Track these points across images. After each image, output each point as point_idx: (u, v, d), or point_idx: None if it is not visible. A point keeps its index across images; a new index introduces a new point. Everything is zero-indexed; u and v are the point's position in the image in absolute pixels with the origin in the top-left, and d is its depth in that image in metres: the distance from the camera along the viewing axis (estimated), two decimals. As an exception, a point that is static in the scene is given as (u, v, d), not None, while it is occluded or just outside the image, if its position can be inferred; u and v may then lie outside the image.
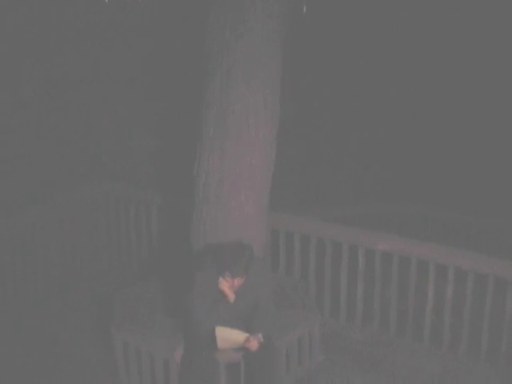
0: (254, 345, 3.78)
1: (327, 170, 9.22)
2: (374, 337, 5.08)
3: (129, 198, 6.13)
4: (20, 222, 5.36)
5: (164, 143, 7.42)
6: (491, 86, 9.37)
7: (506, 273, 4.47)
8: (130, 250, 6.26)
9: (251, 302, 3.89)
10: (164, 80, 7.52)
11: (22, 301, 5.38)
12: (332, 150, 9.35)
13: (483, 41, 9.29)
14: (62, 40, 7.36)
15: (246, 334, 3.80)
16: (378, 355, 4.84)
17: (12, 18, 7.03)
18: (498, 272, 4.50)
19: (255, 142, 4.16)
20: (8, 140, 6.83)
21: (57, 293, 5.67)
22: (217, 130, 4.14)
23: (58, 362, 4.73)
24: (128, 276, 5.99)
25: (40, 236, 5.50)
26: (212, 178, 4.22)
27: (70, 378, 4.57)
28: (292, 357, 4.41)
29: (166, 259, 5.81)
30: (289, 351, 4.36)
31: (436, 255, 4.74)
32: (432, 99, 9.65)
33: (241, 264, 3.71)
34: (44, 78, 7.24)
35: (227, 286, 3.81)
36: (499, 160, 9.28)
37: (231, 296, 3.84)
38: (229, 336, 3.81)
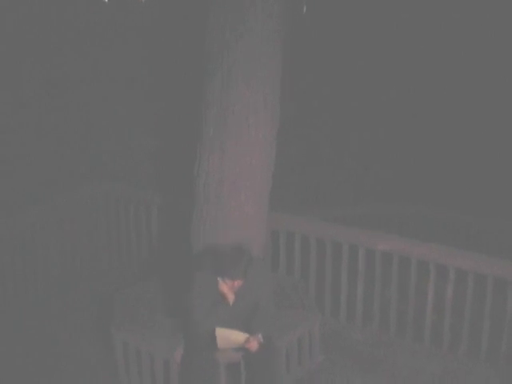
0: (253, 345, 3.78)
1: (327, 170, 9.22)
2: (375, 337, 5.08)
3: (129, 198, 6.13)
4: (20, 222, 5.35)
5: (164, 143, 7.42)
6: (491, 86, 9.37)
7: (506, 273, 4.47)
8: (130, 250, 6.26)
9: (251, 302, 3.89)
10: (164, 80, 7.52)
11: (22, 301, 5.38)
12: (332, 150, 9.35)
13: (483, 41, 9.29)
14: (61, 40, 7.36)
15: (246, 335, 3.80)
16: (379, 355, 4.83)
17: (12, 18, 7.03)
18: (498, 272, 4.50)
19: (255, 142, 4.16)
20: (8, 140, 6.83)
21: (57, 293, 5.66)
22: (217, 130, 4.14)
23: (57, 362, 4.73)
24: (128, 276, 5.99)
25: (40, 236, 5.50)
26: (212, 178, 4.22)
27: (70, 378, 4.57)
28: (292, 357, 4.40)
29: (166, 259, 5.81)
30: (289, 351, 4.36)
31: (436, 255, 4.74)
32: (432, 99, 9.65)
33: (239, 268, 3.69)
34: (44, 78, 7.24)
35: (226, 287, 3.80)
36: (499, 160, 9.28)
37: (231, 297, 3.83)
38: (229, 336, 3.81)
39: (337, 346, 4.94)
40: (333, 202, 8.80)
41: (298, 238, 5.28)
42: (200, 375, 3.81)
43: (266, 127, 4.18)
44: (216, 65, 4.06)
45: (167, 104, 7.45)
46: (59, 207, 5.75)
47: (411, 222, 8.30)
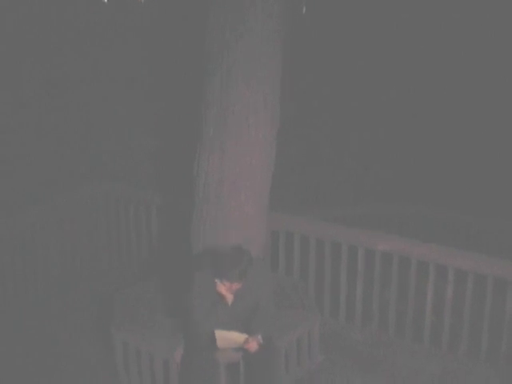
0: (253, 346, 3.78)
1: (327, 170, 9.23)
2: (374, 337, 5.08)
3: (129, 198, 6.13)
4: (20, 222, 5.35)
5: (164, 143, 7.43)
6: (491, 86, 9.38)
7: (506, 273, 4.47)
8: (130, 250, 6.26)
9: (250, 303, 3.88)
10: (164, 80, 7.52)
11: (22, 301, 5.38)
12: (332, 150, 9.35)
13: (483, 41, 9.30)
14: (62, 40, 7.36)
15: (245, 335, 3.79)
16: (378, 356, 4.84)
17: (12, 18, 7.04)
18: (497, 272, 4.50)
19: (255, 142, 4.16)
20: (8, 140, 6.84)
21: (57, 293, 5.67)
22: (217, 130, 4.14)
23: (57, 362, 4.73)
24: (128, 276, 5.99)
25: (40, 236, 5.50)
26: (212, 178, 4.22)
27: (70, 378, 4.57)
28: (291, 357, 4.41)
29: (166, 259, 5.81)
30: (288, 351, 4.36)
31: (436, 255, 4.74)
32: (432, 100, 9.65)
33: (238, 270, 3.67)
34: (44, 78, 7.25)
35: (225, 289, 3.78)
36: (499, 160, 9.28)
37: (229, 298, 3.82)
38: (228, 336, 3.81)
39: (336, 346, 4.94)
40: (333, 202, 8.80)
41: (298, 238, 5.28)
42: (200, 375, 3.81)
43: (266, 127, 4.18)
44: (216, 65, 4.06)
45: (167, 104, 7.46)
46: (59, 207, 5.75)
47: (411, 222, 8.30)
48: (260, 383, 3.88)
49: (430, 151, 9.65)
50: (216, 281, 3.71)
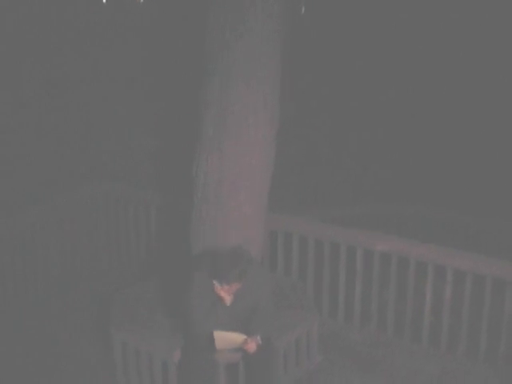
0: (252, 347, 3.78)
1: (326, 170, 9.23)
2: (373, 337, 5.09)
3: (128, 198, 6.14)
4: (20, 222, 5.36)
5: (164, 143, 7.43)
6: (490, 86, 9.39)
7: (505, 273, 4.47)
8: (129, 250, 6.27)
9: (249, 304, 3.87)
10: (164, 80, 7.53)
11: (22, 301, 5.39)
12: (331, 150, 9.36)
13: (482, 41, 9.31)
14: (62, 40, 7.37)
15: (244, 336, 3.80)
16: (377, 356, 4.84)
17: (12, 18, 7.05)
18: (496, 272, 4.50)
19: (255, 142, 4.16)
20: (8, 140, 6.84)
21: (57, 293, 5.67)
22: (216, 130, 4.14)
23: (57, 362, 4.74)
24: (128, 276, 5.99)
25: (40, 236, 5.51)
26: (211, 178, 4.22)
27: (70, 378, 4.58)
28: (290, 357, 4.41)
29: (166, 259, 5.82)
30: (287, 352, 4.36)
31: (435, 256, 4.75)
32: (431, 100, 9.66)
33: (236, 272, 3.64)
34: (44, 77, 7.26)
35: (223, 291, 3.76)
36: (498, 160, 9.29)
37: (228, 299, 3.80)
38: (227, 337, 3.81)
39: (335, 347, 4.95)
40: (331, 203, 8.81)
41: (296, 239, 5.28)
42: (199, 375, 3.81)
43: (265, 127, 4.18)
44: (216, 65, 4.06)
45: (167, 104, 7.47)
46: (59, 207, 5.76)
47: (410, 222, 8.30)
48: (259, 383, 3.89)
49: (429, 151, 9.66)
50: (215, 282, 3.70)
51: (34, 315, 5.33)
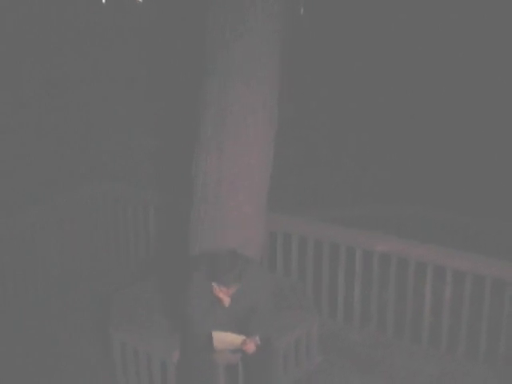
0: (250, 347, 3.77)
1: (325, 171, 9.23)
2: (372, 338, 5.09)
3: (128, 198, 6.14)
4: (20, 222, 5.36)
5: (164, 143, 7.43)
6: (489, 87, 9.38)
7: (504, 274, 4.47)
8: (128, 250, 6.27)
9: (248, 305, 3.86)
10: (164, 80, 7.54)
11: (22, 301, 5.39)
12: (330, 151, 9.36)
13: (481, 42, 9.31)
14: (62, 40, 7.38)
15: (243, 337, 3.79)
16: (376, 357, 4.84)
17: (12, 18, 7.05)
18: (496, 273, 4.51)
19: (254, 142, 4.16)
20: (8, 140, 6.85)
21: (57, 293, 5.67)
22: (215, 130, 4.14)
23: (57, 362, 4.74)
24: (127, 276, 5.99)
25: (40, 236, 5.51)
26: (210, 178, 4.22)
27: (70, 378, 4.58)
28: (290, 358, 4.41)
29: (164, 259, 5.82)
30: (286, 352, 4.37)
31: (434, 256, 4.75)
32: (430, 100, 9.66)
33: (234, 274, 3.62)
34: (44, 77, 7.26)
35: (221, 292, 3.74)
36: (497, 161, 9.29)
37: (226, 300, 3.79)
38: (225, 338, 3.81)
39: (334, 347, 4.95)
40: (331, 203, 8.81)
41: (296, 239, 5.28)
42: (197, 376, 3.81)
43: (264, 127, 4.18)
44: (215, 65, 4.06)
45: (167, 104, 7.47)
46: (59, 207, 5.76)
47: (409, 223, 8.30)
48: (258, 384, 3.90)
49: (428, 152, 9.66)
50: (213, 284, 3.70)
51: (33, 315, 5.34)
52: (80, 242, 5.99)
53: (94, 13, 7.95)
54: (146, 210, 6.07)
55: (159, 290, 4.79)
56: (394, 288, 4.97)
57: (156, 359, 4.14)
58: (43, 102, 7.23)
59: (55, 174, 7.03)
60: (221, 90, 4.06)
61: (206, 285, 3.75)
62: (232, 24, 3.95)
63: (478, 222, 8.04)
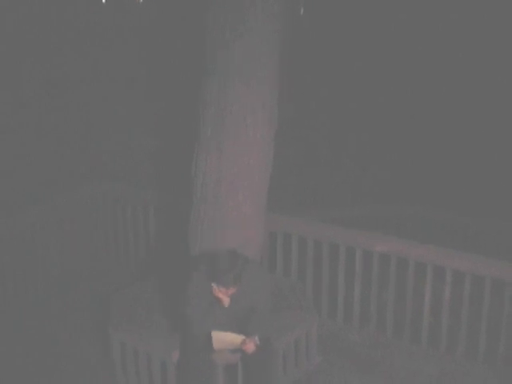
0: (250, 347, 3.77)
1: (325, 171, 9.23)
2: (372, 338, 5.09)
3: (128, 198, 6.14)
4: (20, 222, 5.36)
5: (164, 143, 7.44)
6: (489, 87, 9.39)
7: (504, 274, 4.47)
8: (127, 250, 6.27)
9: (248, 305, 3.86)
10: (164, 80, 7.54)
11: (22, 301, 5.39)
12: (330, 151, 9.37)
13: (481, 42, 9.31)
14: (62, 40, 7.38)
15: (242, 337, 3.79)
16: (376, 357, 4.84)
17: (12, 18, 7.05)
18: (495, 273, 4.51)
19: (253, 142, 4.15)
20: (8, 140, 6.85)
21: (57, 293, 5.67)
22: (214, 130, 4.14)
23: (57, 362, 4.75)
24: (126, 276, 5.99)
25: (40, 236, 5.51)
26: (210, 178, 4.22)
27: (70, 378, 4.58)
28: (289, 358, 4.41)
29: (164, 259, 5.82)
30: (286, 352, 4.37)
31: (434, 257, 4.75)
32: (430, 100, 9.66)
33: (233, 275, 3.63)
34: (44, 77, 7.26)
35: (221, 293, 3.74)
36: (497, 161, 9.29)
37: (226, 301, 3.79)
38: (224, 338, 3.81)
39: (334, 348, 4.95)
40: (330, 204, 8.81)
41: (296, 240, 5.28)
42: (197, 376, 3.81)
43: (263, 127, 4.18)
44: (215, 65, 4.05)
45: (167, 104, 7.47)
46: (59, 207, 5.76)
47: (409, 223, 8.30)
48: (257, 384, 3.90)
49: (428, 152, 9.67)
50: (213, 284, 3.70)
51: (34, 315, 5.34)
52: (80, 242, 5.99)
53: (93, 13, 7.95)
54: (146, 210, 6.07)
55: (159, 290, 4.79)
56: (394, 288, 4.97)
57: (156, 359, 4.14)
58: (43, 101, 7.23)
59: (55, 174, 7.04)
60: (220, 89, 4.06)
61: (205, 285, 3.75)
62: (232, 24, 3.95)
63: (478, 222, 8.05)
